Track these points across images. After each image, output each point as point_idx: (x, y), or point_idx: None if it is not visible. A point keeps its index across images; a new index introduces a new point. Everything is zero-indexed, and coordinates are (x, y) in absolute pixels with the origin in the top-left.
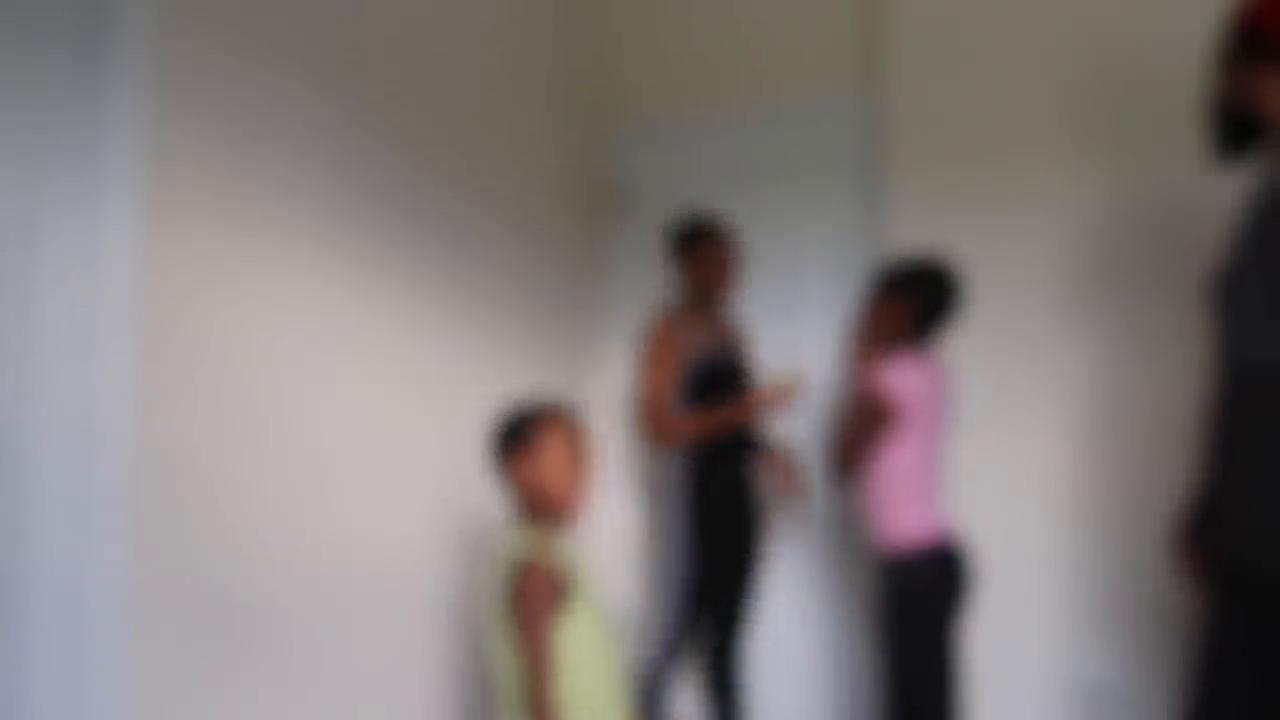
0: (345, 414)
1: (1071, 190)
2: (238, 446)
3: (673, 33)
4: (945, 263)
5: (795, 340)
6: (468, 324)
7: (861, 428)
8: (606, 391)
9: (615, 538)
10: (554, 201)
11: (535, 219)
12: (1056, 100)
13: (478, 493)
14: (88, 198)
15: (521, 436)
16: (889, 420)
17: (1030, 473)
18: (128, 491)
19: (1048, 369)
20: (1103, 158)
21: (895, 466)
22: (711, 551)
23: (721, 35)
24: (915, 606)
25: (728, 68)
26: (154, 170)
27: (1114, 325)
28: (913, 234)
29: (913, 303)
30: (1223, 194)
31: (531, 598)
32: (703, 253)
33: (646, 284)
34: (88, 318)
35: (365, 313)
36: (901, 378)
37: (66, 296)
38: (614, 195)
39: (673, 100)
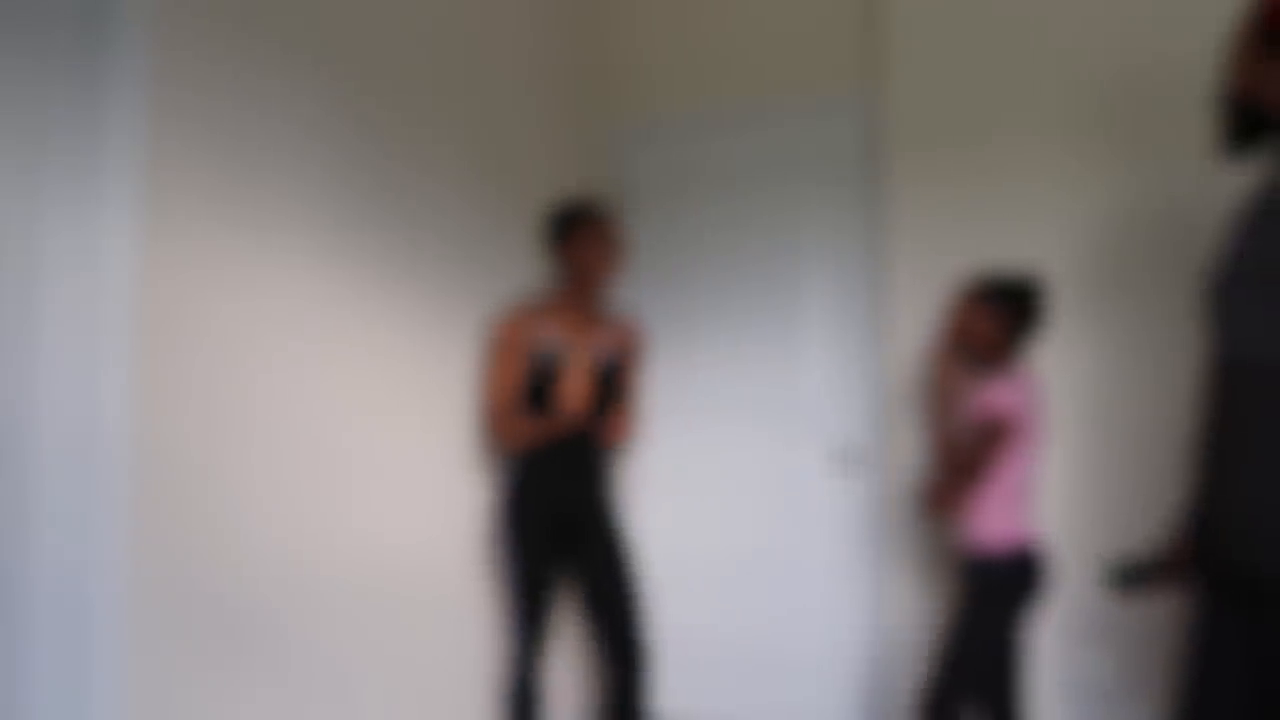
0: (344, 415)
1: (1071, 192)
2: (236, 447)
3: (673, 32)
4: (1036, 280)
5: (793, 340)
6: (467, 325)
7: (983, 448)
8: None
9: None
10: (554, 201)
11: (535, 218)
12: (1056, 102)
13: (476, 494)
14: (87, 199)
15: None
16: (1008, 436)
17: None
18: (127, 492)
19: (1045, 371)
20: (1102, 160)
21: (994, 480)
22: (525, 563)
23: (722, 35)
24: (993, 603)
25: (728, 68)
26: (153, 172)
27: (1112, 329)
28: (912, 234)
29: (1003, 316)
30: (1220, 196)
31: None
32: (579, 237)
33: (646, 282)
34: (88, 318)
35: (364, 314)
36: (1007, 395)
37: (66, 296)
38: (614, 195)
39: (673, 100)
